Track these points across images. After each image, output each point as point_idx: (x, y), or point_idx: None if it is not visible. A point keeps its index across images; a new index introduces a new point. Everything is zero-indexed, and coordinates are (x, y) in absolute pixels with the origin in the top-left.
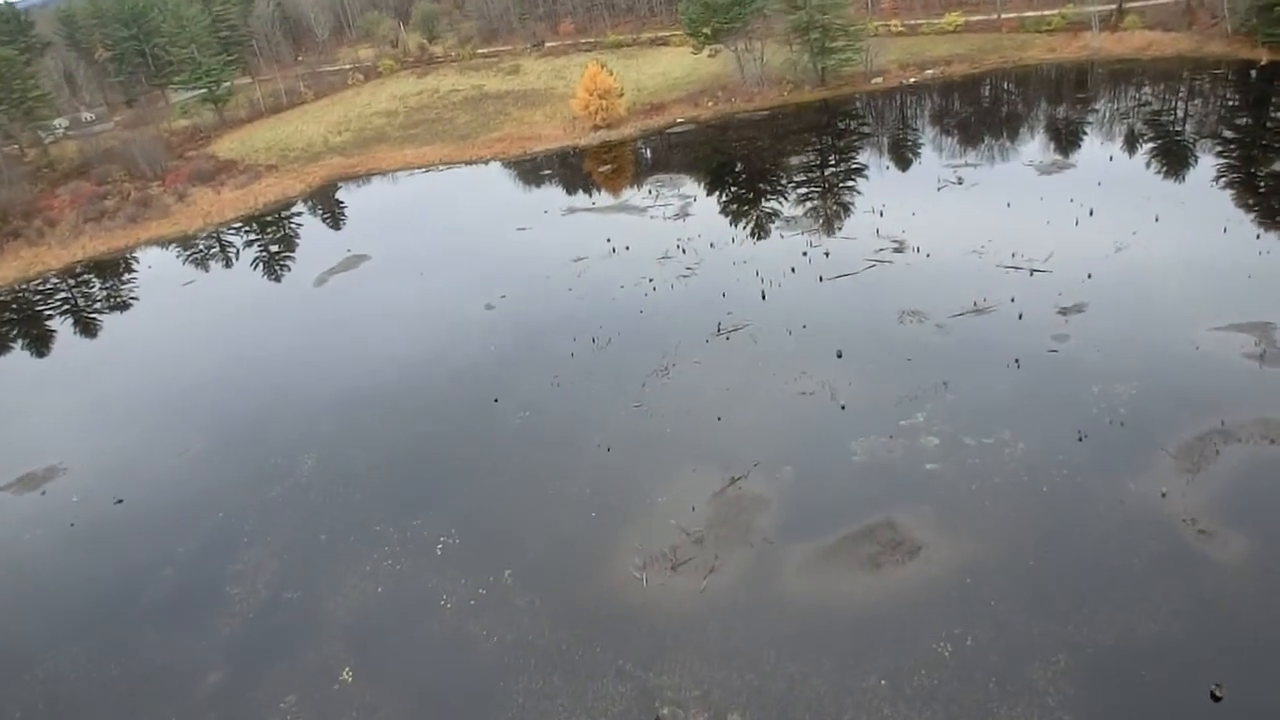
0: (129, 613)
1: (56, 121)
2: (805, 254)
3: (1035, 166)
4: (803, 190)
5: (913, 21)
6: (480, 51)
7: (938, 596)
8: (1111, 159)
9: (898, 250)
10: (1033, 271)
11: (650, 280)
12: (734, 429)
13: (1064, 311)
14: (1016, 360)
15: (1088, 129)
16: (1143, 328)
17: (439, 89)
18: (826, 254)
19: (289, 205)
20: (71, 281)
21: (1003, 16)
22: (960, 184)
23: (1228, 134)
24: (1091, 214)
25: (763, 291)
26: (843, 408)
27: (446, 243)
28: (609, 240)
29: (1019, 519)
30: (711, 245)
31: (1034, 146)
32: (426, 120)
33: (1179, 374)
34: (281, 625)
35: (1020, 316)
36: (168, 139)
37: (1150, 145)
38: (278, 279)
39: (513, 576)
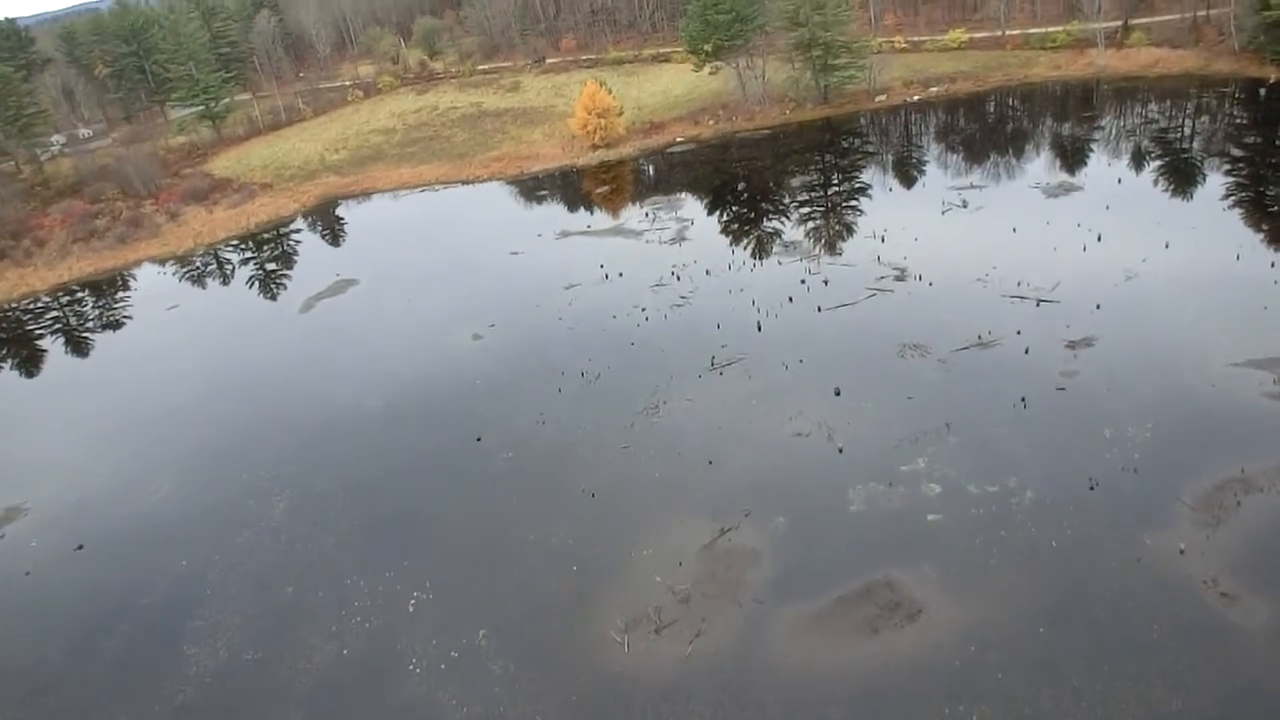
0: (76, 676)
1: (54, 138)
2: (804, 282)
3: (1041, 188)
4: (803, 213)
5: (916, 38)
6: (481, 68)
7: (939, 665)
8: (1120, 181)
9: (899, 278)
10: (1039, 302)
11: (643, 309)
12: (725, 474)
13: (1072, 345)
14: (1023, 399)
15: (1094, 148)
16: (1155, 364)
17: (438, 106)
18: (825, 282)
19: (282, 225)
20: (56, 304)
21: (1007, 33)
22: (964, 207)
23: (1237, 153)
24: (1100, 239)
25: (759, 323)
26: (840, 451)
27: (437, 267)
28: (602, 266)
29: (1027, 579)
30: (707, 272)
31: (1040, 167)
32: (424, 138)
33: (1195, 415)
34: (239, 691)
35: (1027, 351)
36: (163, 156)
37: (1158, 166)
38: (264, 303)
39: (488, 638)
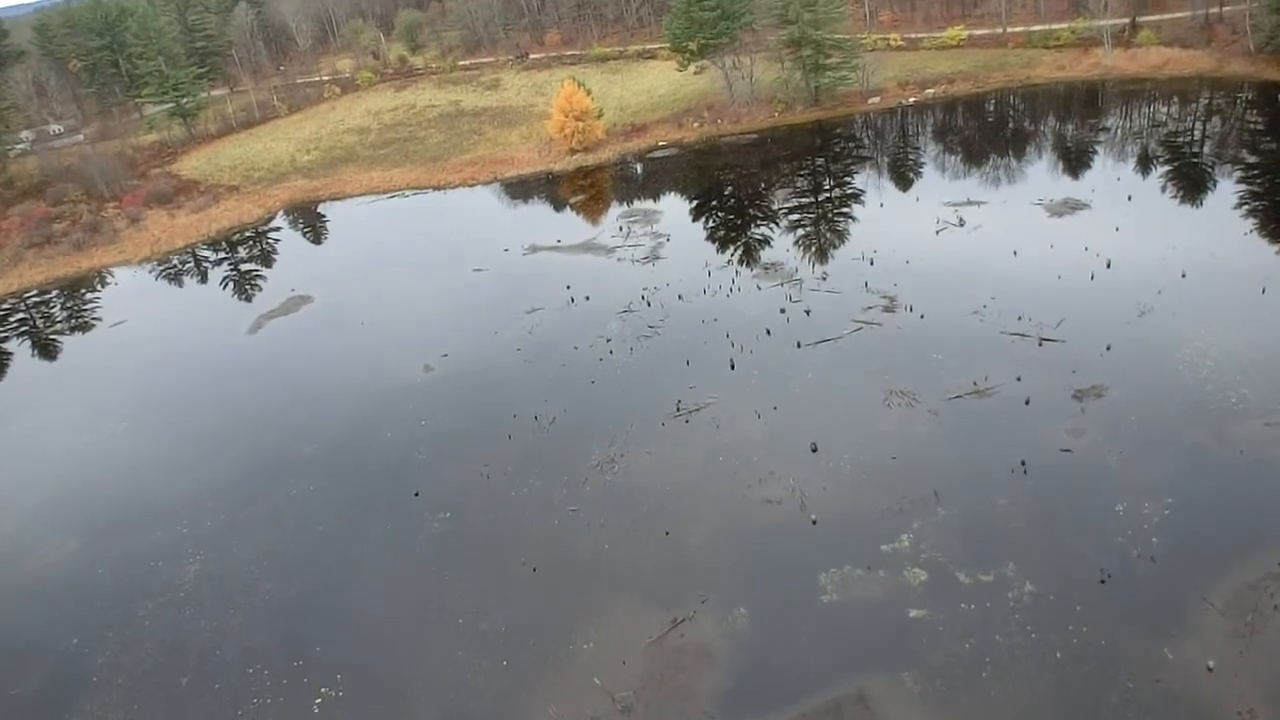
0: None
1: (23, 134)
2: (783, 311)
3: (1045, 205)
4: (787, 228)
5: (913, 35)
6: (462, 64)
7: None
8: (1130, 198)
9: (887, 309)
10: (1042, 340)
11: (608, 341)
12: (683, 548)
13: (1079, 396)
14: (1023, 463)
15: (1101, 158)
16: (1174, 421)
17: (415, 104)
18: (807, 312)
19: (243, 232)
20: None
21: (1009, 31)
22: (961, 225)
23: (1255, 168)
24: (1109, 266)
25: (732, 360)
26: (814, 522)
27: (397, 284)
28: (569, 288)
29: (1025, 699)
30: (680, 297)
31: (1043, 179)
32: (399, 139)
33: (1221, 488)
34: None
35: (1027, 402)
36: (131, 156)
37: (1171, 180)
38: (213, 321)
39: None
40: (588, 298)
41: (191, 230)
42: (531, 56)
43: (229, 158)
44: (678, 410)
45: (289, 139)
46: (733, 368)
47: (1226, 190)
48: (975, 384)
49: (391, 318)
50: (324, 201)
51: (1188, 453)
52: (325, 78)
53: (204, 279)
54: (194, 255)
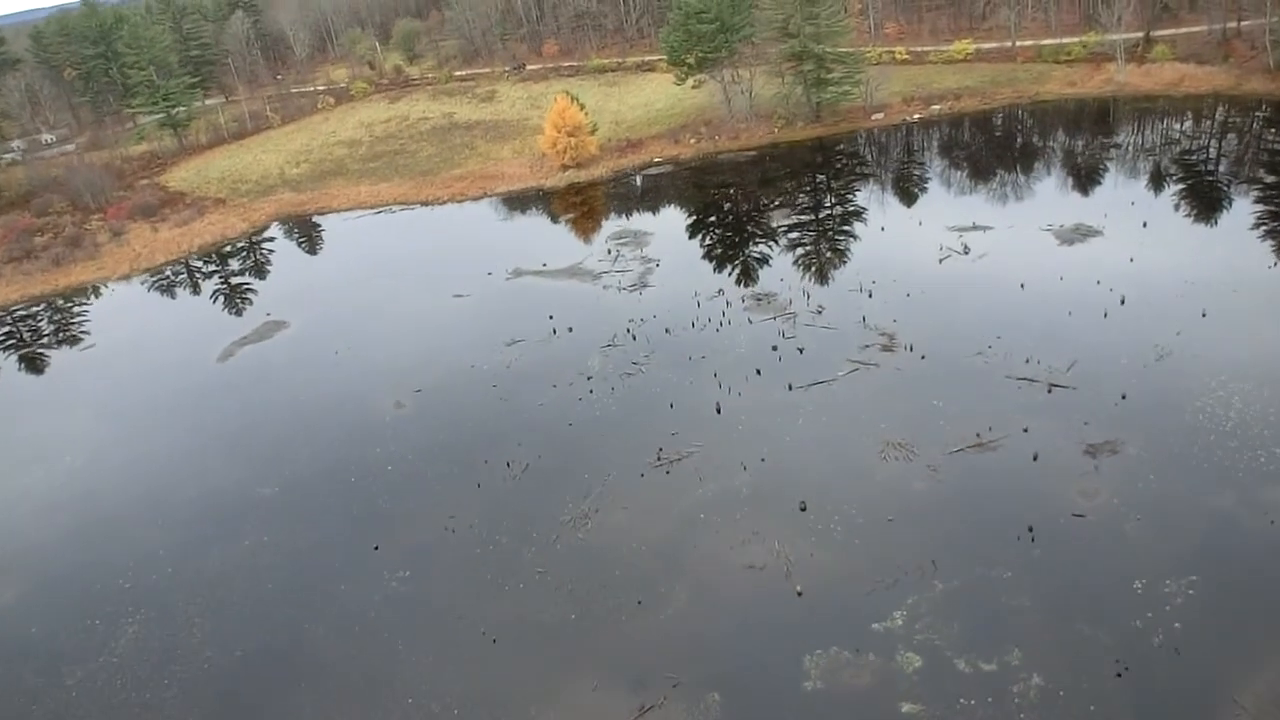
0: None
1: (14, 143)
2: (775, 348)
3: (1054, 232)
4: (783, 254)
5: (919, 48)
6: (458, 74)
7: None
8: (1145, 224)
9: (886, 348)
10: (1051, 387)
11: (589, 378)
12: (656, 620)
13: (1092, 451)
14: (1030, 529)
15: (1114, 181)
16: (1197, 482)
17: (408, 116)
18: (801, 350)
19: (226, 248)
20: None
21: (1018, 45)
22: (966, 254)
23: (1277, 190)
24: (1123, 302)
25: (718, 404)
26: (799, 594)
27: (375, 309)
28: (551, 318)
29: None
30: (667, 331)
31: (1053, 203)
32: (389, 152)
33: (1251, 564)
34: None
35: (1035, 458)
36: (120, 167)
37: (1188, 205)
38: (184, 345)
39: None
40: (570, 329)
41: (173, 246)
42: (529, 67)
43: (218, 169)
44: (658, 459)
45: (280, 150)
46: (719, 412)
47: (1247, 217)
48: (978, 436)
49: (367, 347)
50: (310, 216)
51: (1213, 520)
52: (320, 88)
53: (179, 299)
54: (173, 273)
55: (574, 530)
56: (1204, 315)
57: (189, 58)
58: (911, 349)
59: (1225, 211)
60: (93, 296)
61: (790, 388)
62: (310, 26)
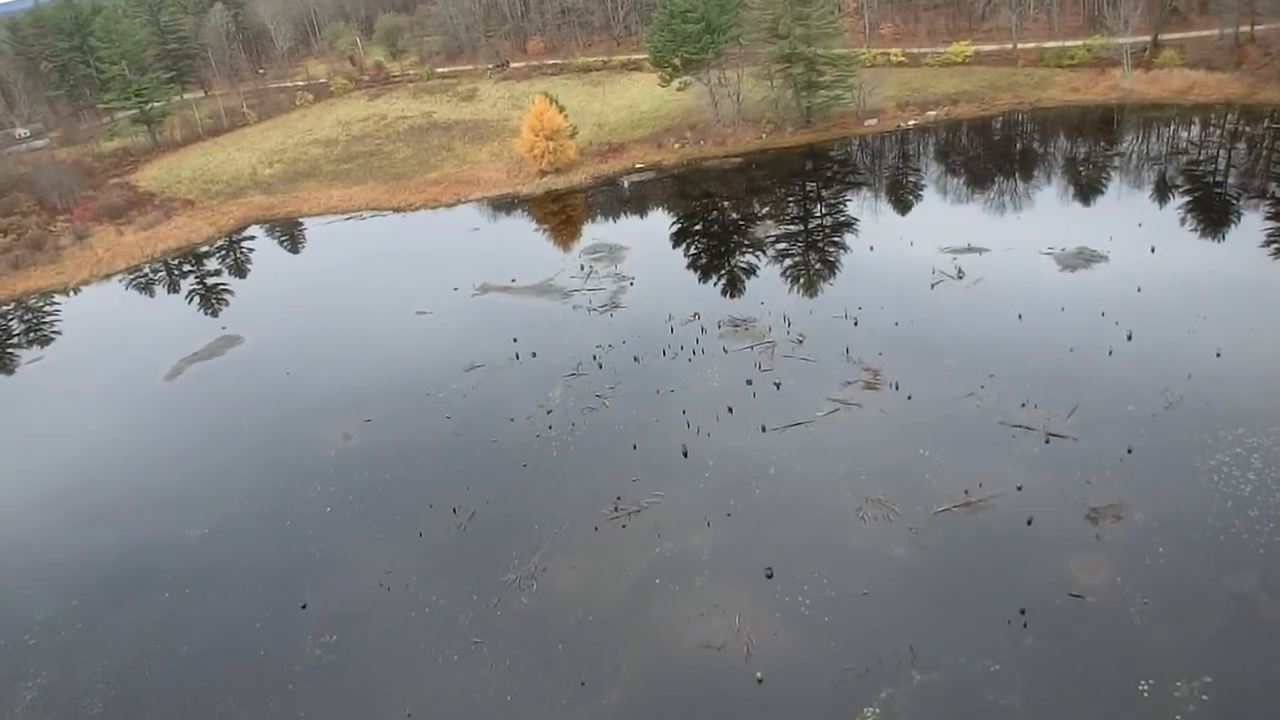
0: None
1: None
2: (750, 382)
3: (1056, 256)
4: (764, 273)
5: (915, 50)
6: (440, 71)
7: None
8: (1153, 249)
9: (869, 386)
10: (1049, 437)
11: (549, 412)
12: (599, 707)
13: (1094, 516)
14: (1022, 612)
15: (1120, 199)
16: (1211, 558)
17: (387, 115)
18: (777, 385)
19: (189, 254)
20: None
21: (1019, 47)
22: (959, 278)
23: None
24: (1130, 338)
25: (685, 447)
26: (759, 680)
27: (333, 325)
28: (515, 340)
29: None
30: (636, 359)
31: (1054, 222)
32: (365, 153)
33: (1274, 662)
34: None
35: (1030, 522)
36: (90, 164)
37: (1199, 228)
38: (134, 361)
39: None
40: (534, 355)
41: (136, 250)
42: (513, 65)
43: (190, 168)
44: (615, 510)
45: (254, 149)
46: (685, 455)
47: (1265, 242)
48: (967, 493)
49: (321, 367)
50: (279, 221)
51: (1230, 607)
52: (300, 84)
53: (136, 308)
54: (134, 279)
55: (518, 593)
56: (1218, 355)
57: (166, 51)
58: (897, 387)
59: (1241, 236)
60: (48, 303)
61: (764, 429)
62: (293, 20)
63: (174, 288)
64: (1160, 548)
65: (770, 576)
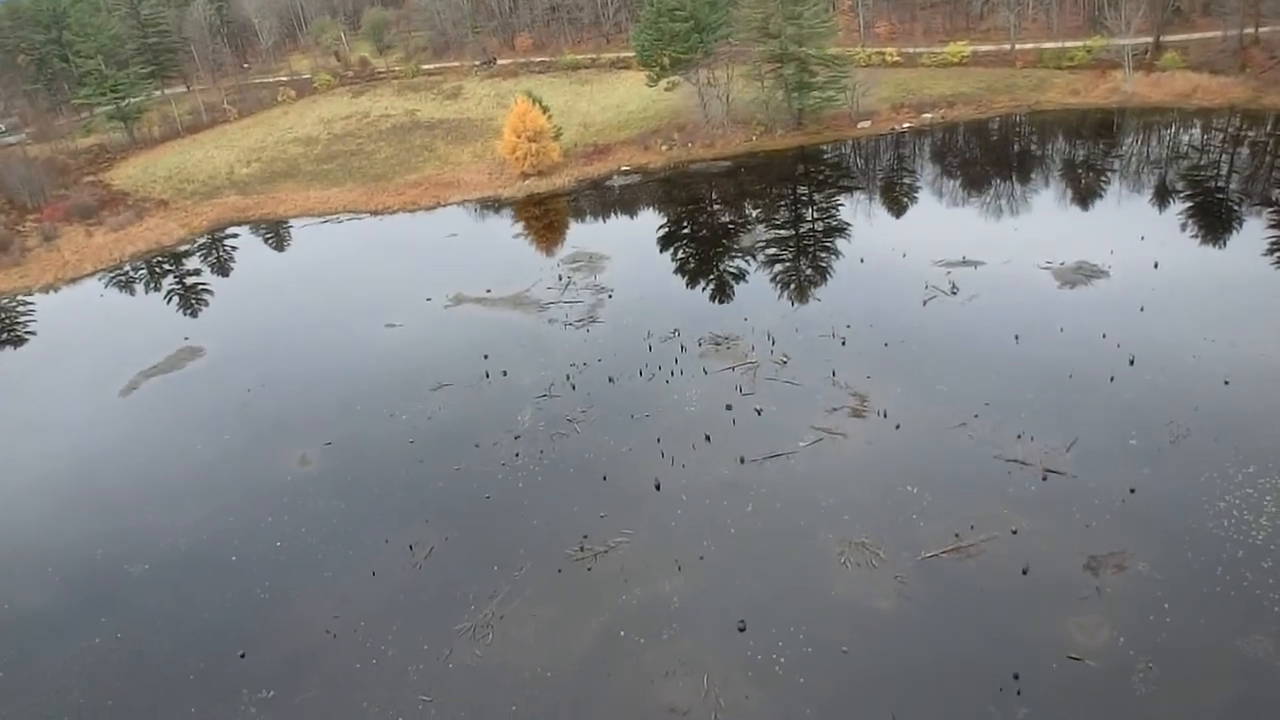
0: None
1: None
2: (730, 408)
3: (1054, 271)
4: (750, 288)
5: (911, 50)
6: (425, 68)
7: None
8: (1156, 265)
9: (856, 413)
10: (1047, 473)
11: (516, 437)
12: None
13: (1094, 565)
14: (1015, 677)
15: (1121, 210)
16: (1221, 617)
17: (370, 113)
18: (758, 411)
19: (158, 257)
20: None
21: (1017, 48)
22: (954, 294)
23: None
24: (1132, 363)
25: (658, 480)
26: None
27: (299, 338)
28: (486, 357)
29: None
30: (611, 380)
31: (1052, 233)
32: (345, 153)
33: None
34: None
35: (1025, 571)
36: (64, 162)
37: (1205, 241)
38: (88, 373)
39: None
40: (505, 373)
41: (104, 253)
42: (500, 62)
43: (166, 166)
44: (581, 550)
45: (233, 147)
46: (658, 489)
47: (1277, 261)
48: (957, 536)
49: (283, 383)
50: (253, 223)
51: (1242, 675)
52: (284, 79)
53: (99, 314)
54: (99, 284)
55: (472, 644)
56: (1226, 384)
57: (147, 45)
58: (885, 415)
59: (1249, 251)
60: (6, 310)
61: (742, 461)
62: (278, 14)
63: (141, 292)
64: (1166, 603)
65: (743, 630)
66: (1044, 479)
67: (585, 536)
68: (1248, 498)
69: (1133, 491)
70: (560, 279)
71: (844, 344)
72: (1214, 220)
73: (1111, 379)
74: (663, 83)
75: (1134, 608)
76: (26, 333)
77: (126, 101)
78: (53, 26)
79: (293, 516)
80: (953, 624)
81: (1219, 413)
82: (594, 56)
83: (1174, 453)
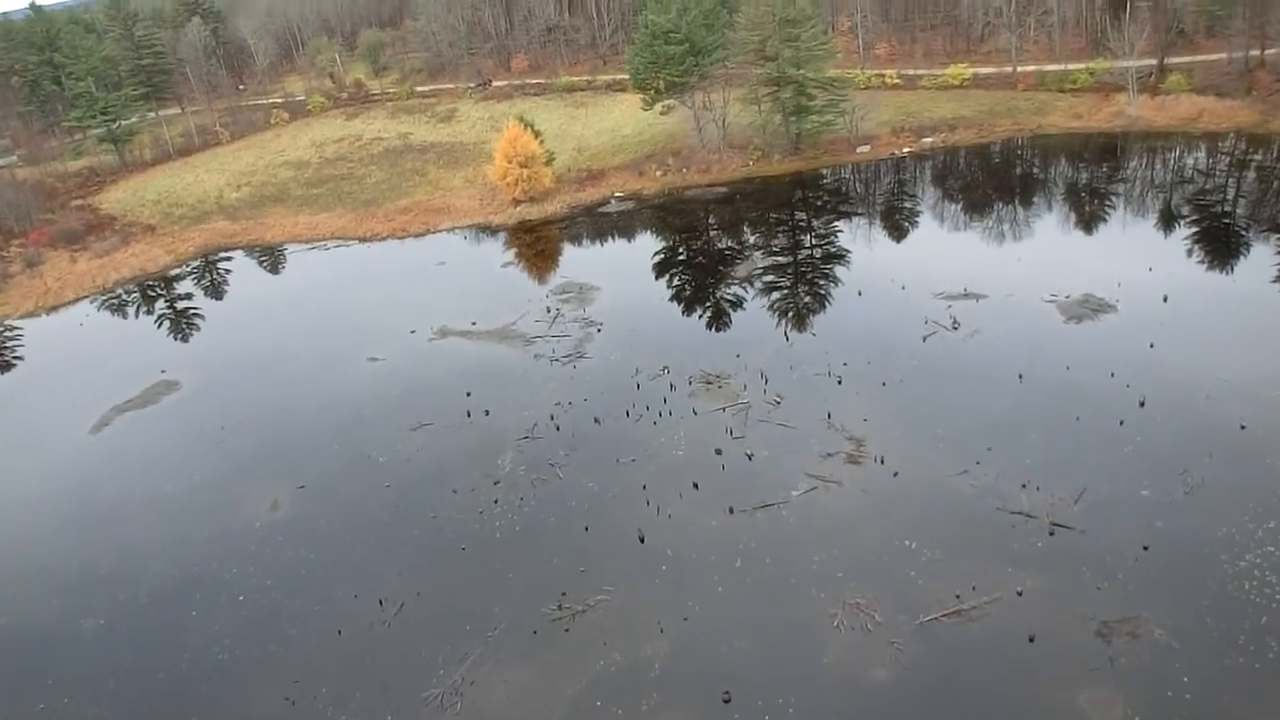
0: None
1: None
2: (719, 452)
3: (1059, 305)
4: (743, 323)
5: (911, 72)
6: (420, 90)
7: None
8: (1166, 299)
9: (852, 459)
10: (1054, 527)
11: (496, 483)
12: None
13: (1105, 633)
14: None
15: (1129, 239)
16: (1245, 695)
17: (362, 136)
18: (750, 455)
19: (144, 283)
20: None
21: (1019, 70)
22: (955, 330)
23: None
24: (1143, 405)
25: (641, 532)
26: None
27: (278, 371)
28: (469, 395)
29: None
30: (597, 421)
31: (1057, 263)
32: (336, 177)
33: None
34: None
35: (1031, 639)
36: (53, 185)
37: (1218, 274)
38: (60, 408)
39: None
40: (487, 413)
41: (87, 280)
42: (495, 84)
43: (156, 190)
44: (559, 609)
45: (224, 170)
46: (642, 541)
47: None
48: (958, 598)
49: (260, 420)
50: (240, 248)
51: None
52: (277, 101)
53: (78, 345)
54: (80, 312)
55: (439, 713)
56: (1243, 428)
57: (141, 66)
58: (883, 461)
59: (1263, 283)
60: None
61: (731, 511)
62: (275, 34)
63: (121, 321)
64: (1185, 677)
65: (728, 701)
66: (1051, 533)
67: (564, 594)
68: (1269, 556)
69: (1146, 549)
70: (549, 311)
71: (840, 383)
72: (1224, 250)
73: (1121, 422)
74: (658, 106)
75: (1150, 681)
76: (4, 366)
77: (118, 124)
78: (45, 48)
79: (259, 567)
80: (954, 698)
81: (1236, 460)
82: (590, 78)
83: (1189, 505)
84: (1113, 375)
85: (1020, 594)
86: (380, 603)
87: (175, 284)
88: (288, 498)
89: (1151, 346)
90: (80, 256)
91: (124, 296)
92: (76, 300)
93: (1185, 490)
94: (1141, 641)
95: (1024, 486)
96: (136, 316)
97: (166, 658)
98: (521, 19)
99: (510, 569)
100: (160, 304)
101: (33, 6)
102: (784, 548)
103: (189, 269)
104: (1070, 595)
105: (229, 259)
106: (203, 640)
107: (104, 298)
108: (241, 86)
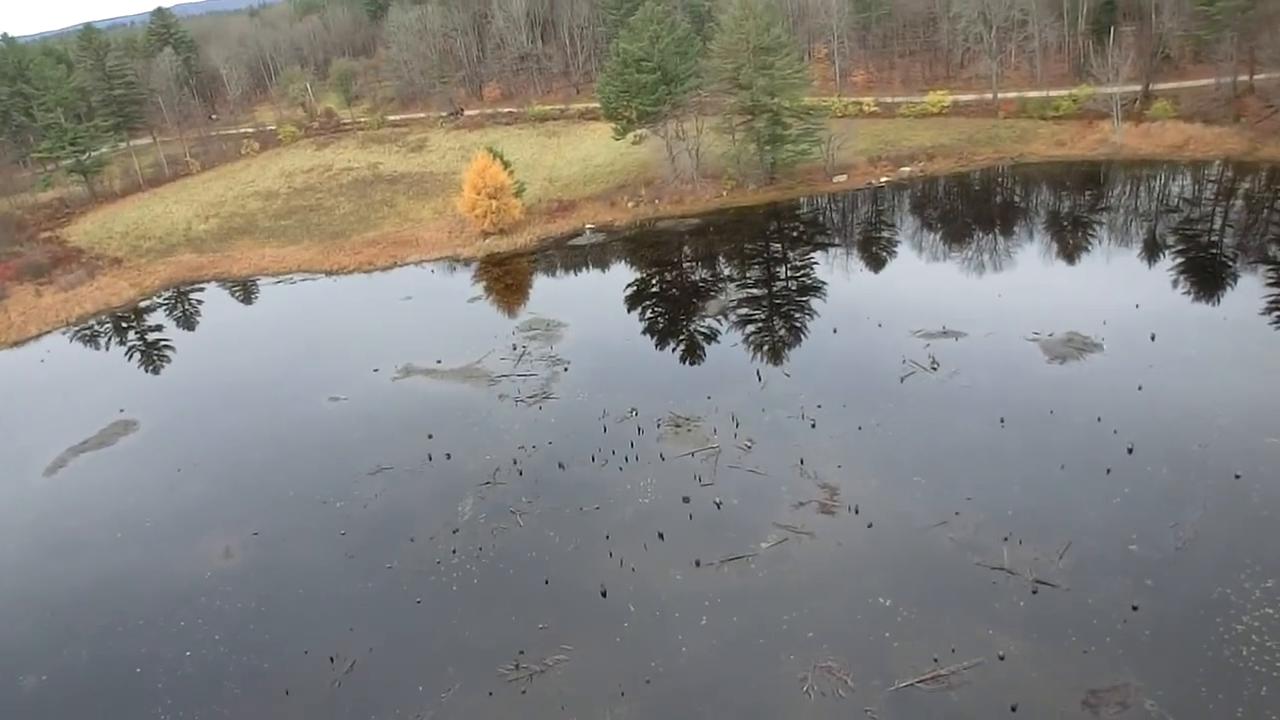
0: None
1: None
2: (687, 500)
3: (1042, 343)
4: (713, 361)
5: (889, 100)
6: (391, 119)
7: None
8: (1154, 338)
9: (825, 508)
10: (1037, 585)
11: (455, 531)
12: None
13: (1092, 702)
14: None
15: (1114, 273)
16: None
17: (332, 166)
18: (718, 504)
19: (109, 318)
20: None
21: (999, 97)
22: (934, 370)
23: None
24: (1131, 452)
25: (604, 586)
26: None
27: (238, 411)
28: (430, 437)
29: None
30: (561, 466)
31: (1039, 298)
32: (305, 208)
33: None
34: None
35: (1014, 709)
36: (21, 217)
37: (1208, 311)
38: (13, 450)
39: None
40: (449, 456)
41: (51, 315)
42: (467, 112)
43: (124, 222)
44: (516, 668)
45: (193, 201)
46: (604, 596)
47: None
48: (936, 661)
49: (216, 462)
50: (206, 281)
51: None
52: (248, 131)
53: (37, 382)
54: (44, 347)
55: None
56: (1237, 477)
57: (112, 97)
58: (857, 511)
59: (1257, 322)
60: None
61: (698, 564)
62: (247, 63)
63: (83, 357)
64: None
65: None
66: (1034, 592)
67: (521, 652)
68: (1267, 619)
69: (1135, 609)
70: (515, 349)
71: (814, 426)
72: (1213, 283)
73: (1108, 471)
74: (629, 136)
75: None
76: None
77: (87, 155)
78: (16, 79)
79: (207, 621)
80: None
81: (1230, 513)
82: (563, 107)
83: (1180, 561)
84: (1099, 420)
85: (1002, 658)
86: (331, 659)
87: (140, 318)
88: (241, 545)
89: (1140, 389)
90: (46, 290)
91: (88, 331)
92: (40, 335)
93: (1177, 545)
94: (1131, 713)
95: (1005, 540)
96: (100, 351)
97: (120, 706)
98: (494, 47)
99: (466, 625)
100: (123, 339)
101: (4, 37)
102: (752, 604)
103: (154, 303)
104: (1055, 660)
105: (196, 292)
106: (144, 699)
107: (68, 332)
108: (214, 116)
